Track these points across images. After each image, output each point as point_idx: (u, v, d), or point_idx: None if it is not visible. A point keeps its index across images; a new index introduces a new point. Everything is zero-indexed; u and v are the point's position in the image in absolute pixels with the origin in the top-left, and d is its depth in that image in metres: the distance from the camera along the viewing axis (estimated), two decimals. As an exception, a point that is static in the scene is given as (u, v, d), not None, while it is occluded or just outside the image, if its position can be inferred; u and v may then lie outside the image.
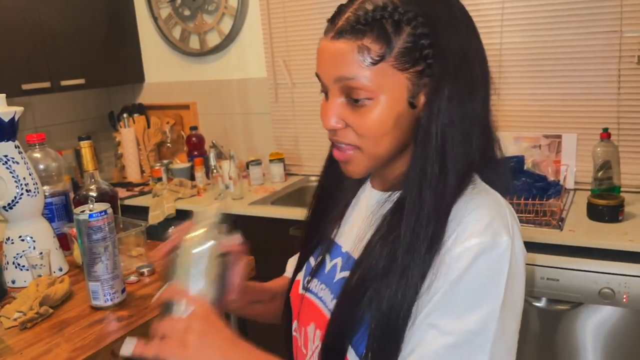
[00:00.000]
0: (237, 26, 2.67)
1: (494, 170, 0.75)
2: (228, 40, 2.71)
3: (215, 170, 2.47)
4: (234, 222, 2.24)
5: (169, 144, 2.94)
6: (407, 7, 0.66)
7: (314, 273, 0.82)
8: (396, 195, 0.73)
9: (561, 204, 1.83)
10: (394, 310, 0.66)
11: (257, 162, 2.54)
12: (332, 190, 0.86)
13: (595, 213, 1.73)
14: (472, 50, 0.71)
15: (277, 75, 2.64)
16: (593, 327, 1.59)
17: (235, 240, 0.81)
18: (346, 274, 0.75)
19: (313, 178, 2.59)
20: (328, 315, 0.76)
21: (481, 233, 0.65)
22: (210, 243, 0.76)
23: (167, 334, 0.69)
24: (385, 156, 0.72)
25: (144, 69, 3.03)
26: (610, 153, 1.88)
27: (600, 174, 1.89)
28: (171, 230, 0.78)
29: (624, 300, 1.51)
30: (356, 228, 0.79)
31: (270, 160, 2.56)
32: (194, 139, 2.73)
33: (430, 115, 0.68)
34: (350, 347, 0.71)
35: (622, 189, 1.91)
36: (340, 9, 0.70)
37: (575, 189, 2.07)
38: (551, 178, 1.97)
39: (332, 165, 0.85)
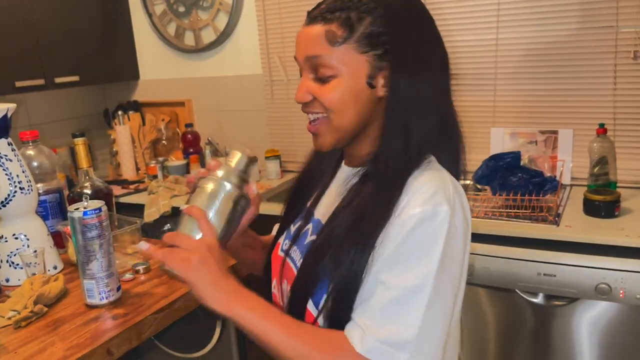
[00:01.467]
0: (232, 23, 2.66)
1: (448, 153, 0.85)
2: (223, 36, 2.70)
3: (211, 168, 2.46)
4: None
5: (164, 141, 2.93)
6: (370, 0, 0.79)
7: (293, 238, 0.92)
8: (364, 170, 0.84)
9: (557, 200, 1.83)
10: (351, 269, 0.77)
11: (252, 160, 2.53)
12: (312, 171, 0.98)
13: (592, 208, 1.73)
14: (427, 39, 0.82)
15: (273, 72, 2.63)
16: (589, 322, 1.60)
17: (252, 188, 0.90)
18: (314, 237, 0.86)
19: (309, 175, 2.58)
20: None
21: (424, 203, 0.75)
22: (231, 184, 0.87)
23: (176, 246, 0.80)
24: (349, 129, 0.83)
25: (139, 65, 3.02)
26: (607, 148, 1.88)
27: (596, 169, 1.89)
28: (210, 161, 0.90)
29: (621, 295, 1.51)
30: (328, 198, 0.91)
31: (266, 157, 2.55)
32: (189, 136, 2.72)
33: (392, 95, 0.80)
34: (310, 299, 0.82)
35: (618, 185, 1.91)
36: (319, 4, 0.83)
37: (571, 185, 2.07)
38: (547, 174, 1.97)
39: (314, 153, 0.98)
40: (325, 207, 0.89)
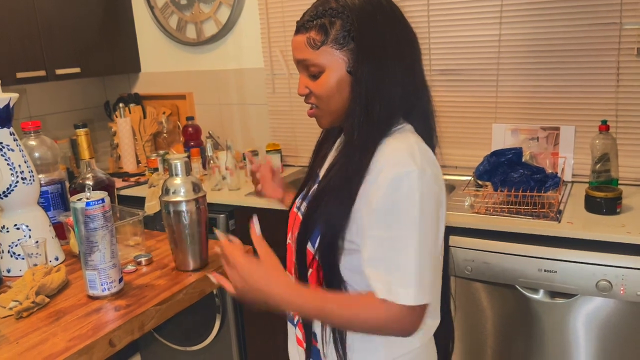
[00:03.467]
0: (234, 16, 2.65)
1: (421, 121, 1.02)
2: (225, 30, 2.69)
3: (212, 161, 2.46)
4: (231, 213, 2.23)
5: (165, 134, 2.93)
6: (339, 6, 0.96)
7: (303, 196, 1.10)
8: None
9: (559, 196, 1.83)
10: (335, 216, 0.95)
11: (254, 153, 2.53)
12: (323, 143, 1.17)
13: (593, 205, 1.73)
14: (387, 29, 0.97)
15: (274, 66, 2.63)
16: (590, 319, 1.60)
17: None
18: None
19: (310, 169, 2.58)
20: None
21: (395, 166, 0.91)
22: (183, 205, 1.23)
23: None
24: (337, 110, 1.00)
25: (140, 58, 3.01)
26: (609, 145, 1.88)
27: (598, 166, 1.89)
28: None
29: (621, 292, 1.51)
30: (329, 162, 1.09)
31: (267, 151, 2.55)
32: (190, 129, 2.71)
33: (355, 79, 0.97)
34: (309, 241, 1.00)
35: (620, 182, 1.91)
36: (303, 14, 1.00)
37: (572, 182, 2.07)
38: (549, 170, 1.97)
39: (324, 132, 1.16)
40: (325, 169, 1.08)
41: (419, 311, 0.92)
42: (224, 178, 2.35)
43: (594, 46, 1.98)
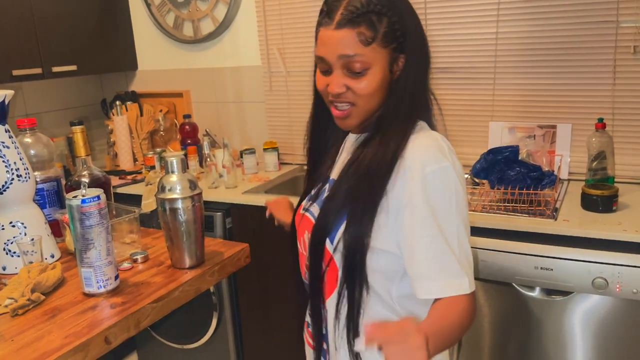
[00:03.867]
0: (231, 13, 2.65)
1: (429, 118, 1.05)
2: (222, 27, 2.69)
3: (208, 159, 2.46)
4: (227, 211, 2.23)
5: (162, 132, 2.92)
6: (383, 3, 0.95)
7: (313, 198, 1.10)
8: (367, 134, 1.03)
9: (555, 194, 1.83)
10: (361, 210, 0.95)
11: (251, 151, 2.53)
12: (321, 142, 1.16)
13: (589, 203, 1.73)
14: (420, 28, 1.02)
15: (272, 64, 2.62)
16: (586, 316, 1.60)
17: None
18: (329, 192, 1.05)
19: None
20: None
21: (430, 164, 0.93)
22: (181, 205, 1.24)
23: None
24: (373, 109, 1.01)
25: (137, 56, 3.00)
26: (605, 143, 1.88)
27: (594, 164, 1.89)
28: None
29: (617, 290, 1.52)
30: (340, 162, 1.08)
31: (264, 149, 2.55)
32: (187, 127, 2.71)
33: (407, 77, 0.99)
34: (327, 238, 1.00)
35: (616, 180, 1.91)
36: (333, 7, 0.96)
37: (569, 179, 2.07)
38: (545, 168, 1.97)
39: (316, 127, 1.16)
40: (338, 169, 1.07)
41: (474, 296, 0.94)
42: (220, 176, 2.35)
43: (591, 44, 1.98)
